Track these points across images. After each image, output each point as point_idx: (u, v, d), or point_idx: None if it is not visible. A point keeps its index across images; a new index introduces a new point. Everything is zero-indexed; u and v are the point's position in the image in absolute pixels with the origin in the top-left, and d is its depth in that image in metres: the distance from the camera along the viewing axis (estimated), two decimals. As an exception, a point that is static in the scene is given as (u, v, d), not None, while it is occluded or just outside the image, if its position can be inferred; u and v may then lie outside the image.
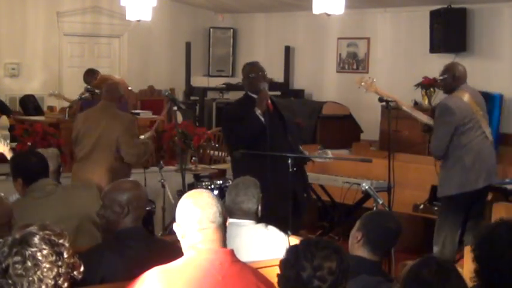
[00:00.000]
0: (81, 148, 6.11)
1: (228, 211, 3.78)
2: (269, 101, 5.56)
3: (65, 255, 2.19)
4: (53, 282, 2.16)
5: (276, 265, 2.65)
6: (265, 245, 3.83)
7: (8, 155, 4.72)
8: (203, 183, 6.50)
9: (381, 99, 6.09)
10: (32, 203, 4.12)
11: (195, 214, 2.82)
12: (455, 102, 5.87)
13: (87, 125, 6.13)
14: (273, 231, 3.94)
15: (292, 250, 2.57)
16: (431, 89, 9.00)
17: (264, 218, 4.04)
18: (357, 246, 3.48)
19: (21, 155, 4.74)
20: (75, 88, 9.50)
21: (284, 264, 2.55)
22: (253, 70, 5.65)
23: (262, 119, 5.41)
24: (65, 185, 4.55)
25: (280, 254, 2.65)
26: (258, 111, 5.43)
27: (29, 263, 2.14)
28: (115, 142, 5.99)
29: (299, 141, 5.78)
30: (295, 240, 3.60)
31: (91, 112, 6.31)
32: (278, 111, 5.66)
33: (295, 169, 5.21)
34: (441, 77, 6.04)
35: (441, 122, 5.86)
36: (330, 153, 6.21)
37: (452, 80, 5.96)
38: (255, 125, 5.42)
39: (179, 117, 7.86)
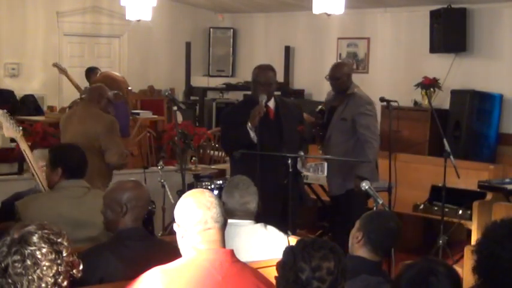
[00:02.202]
0: None
1: (230, 212, 3.77)
2: (271, 108, 5.50)
3: (64, 254, 2.19)
4: (52, 281, 2.15)
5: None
6: (265, 244, 3.82)
7: (21, 142, 4.54)
8: (203, 183, 6.48)
9: (381, 99, 6.07)
10: (56, 199, 4.06)
11: (199, 214, 2.80)
12: None
13: (67, 126, 5.91)
14: (272, 231, 3.93)
15: (288, 252, 2.55)
16: (431, 89, 9.00)
17: (257, 218, 4.02)
18: (357, 247, 3.48)
19: (66, 146, 4.69)
20: (75, 88, 9.52)
21: (282, 266, 2.54)
22: (258, 78, 5.50)
23: (252, 134, 5.30)
24: (97, 191, 4.33)
25: (280, 253, 2.64)
26: (249, 125, 5.30)
27: (29, 262, 2.14)
28: (97, 142, 5.66)
29: (299, 151, 5.62)
30: (295, 241, 3.59)
31: (72, 112, 6.19)
32: (279, 119, 5.54)
33: (290, 170, 5.15)
34: (335, 78, 6.07)
35: (375, 116, 6.04)
36: (325, 169, 6.19)
37: (347, 80, 6.07)
38: (242, 139, 5.33)
39: (179, 117, 7.85)
